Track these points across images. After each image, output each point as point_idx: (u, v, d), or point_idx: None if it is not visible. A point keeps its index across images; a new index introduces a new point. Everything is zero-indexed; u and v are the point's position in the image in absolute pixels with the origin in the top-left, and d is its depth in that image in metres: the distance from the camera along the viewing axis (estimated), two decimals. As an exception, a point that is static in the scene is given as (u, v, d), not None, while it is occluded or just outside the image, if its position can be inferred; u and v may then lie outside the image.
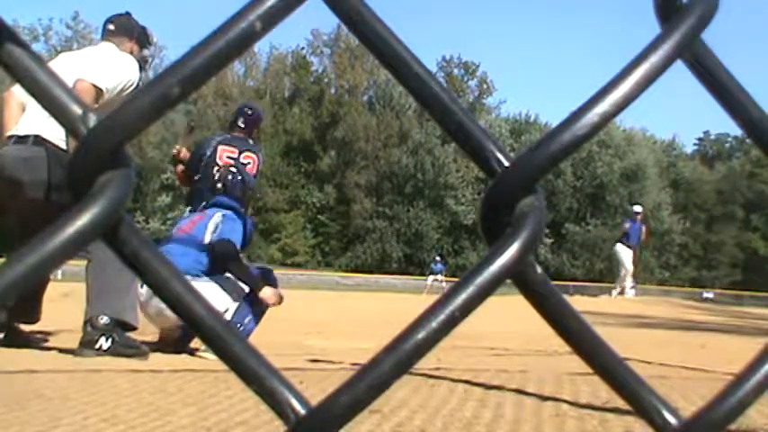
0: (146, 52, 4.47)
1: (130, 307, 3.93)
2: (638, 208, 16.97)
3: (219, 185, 4.77)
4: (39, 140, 3.87)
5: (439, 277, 32.24)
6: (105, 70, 3.99)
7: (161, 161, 53.51)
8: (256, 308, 4.43)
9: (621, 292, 15.99)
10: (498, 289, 0.38)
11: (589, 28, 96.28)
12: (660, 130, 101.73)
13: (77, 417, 2.26)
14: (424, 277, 38.25)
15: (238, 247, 4.54)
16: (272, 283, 4.60)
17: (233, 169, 4.94)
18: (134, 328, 3.95)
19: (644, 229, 15.98)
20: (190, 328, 0.37)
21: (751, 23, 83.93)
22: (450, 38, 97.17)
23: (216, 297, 4.24)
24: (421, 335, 0.37)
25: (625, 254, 15.79)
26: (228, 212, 4.64)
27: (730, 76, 0.45)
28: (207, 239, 4.47)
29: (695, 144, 71.25)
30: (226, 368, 0.36)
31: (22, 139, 3.94)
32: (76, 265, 4.00)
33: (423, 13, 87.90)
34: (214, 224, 4.53)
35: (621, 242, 15.93)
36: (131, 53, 4.27)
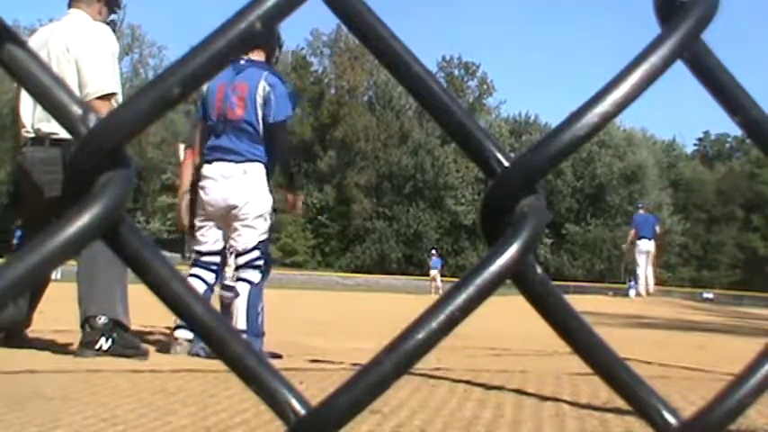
0: (113, 16, 4.31)
1: (123, 307, 3.93)
2: (639, 204, 17.87)
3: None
4: (55, 141, 3.89)
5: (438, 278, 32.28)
6: (104, 69, 3.97)
7: (161, 161, 53.54)
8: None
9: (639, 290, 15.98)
10: (498, 289, 0.38)
11: (589, 28, 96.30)
12: (660, 131, 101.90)
13: (77, 417, 2.26)
14: (424, 277, 38.28)
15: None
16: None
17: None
18: (128, 329, 3.95)
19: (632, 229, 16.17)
20: (190, 329, 0.37)
21: (751, 23, 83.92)
22: (450, 38, 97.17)
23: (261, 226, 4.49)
24: (421, 335, 0.37)
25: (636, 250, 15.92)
26: (271, 78, 4.51)
27: (730, 76, 0.45)
28: (259, 117, 4.44)
29: (695, 144, 71.37)
30: (226, 368, 0.36)
31: (38, 141, 3.96)
32: (76, 265, 4.01)
33: (423, 13, 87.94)
34: (261, 97, 4.44)
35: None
36: (99, 15, 4.15)
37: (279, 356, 4.17)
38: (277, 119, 4.45)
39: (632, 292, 16.38)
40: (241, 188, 4.43)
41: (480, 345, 4.97)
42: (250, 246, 4.42)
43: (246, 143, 4.45)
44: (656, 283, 16.99)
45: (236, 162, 4.44)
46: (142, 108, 0.35)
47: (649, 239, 15.74)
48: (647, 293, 15.81)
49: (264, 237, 4.51)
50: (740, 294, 42.74)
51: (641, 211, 16.63)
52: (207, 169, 4.53)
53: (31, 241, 0.33)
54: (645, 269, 15.84)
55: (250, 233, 4.43)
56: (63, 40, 3.98)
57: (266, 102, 4.43)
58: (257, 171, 4.48)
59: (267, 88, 4.44)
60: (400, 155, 57.08)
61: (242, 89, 4.43)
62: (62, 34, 4.02)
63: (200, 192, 4.55)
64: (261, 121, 4.45)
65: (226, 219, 4.50)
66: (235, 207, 4.43)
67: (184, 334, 4.27)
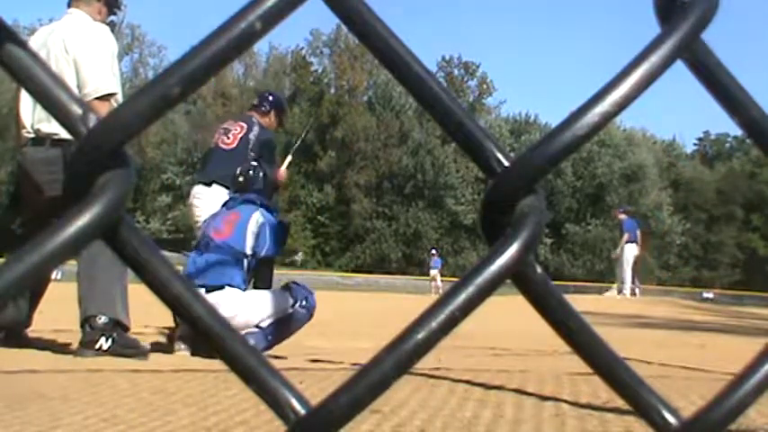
0: (113, 18, 4.29)
1: (123, 307, 3.93)
2: (622, 209, 18.69)
3: (241, 179, 4.72)
4: (55, 141, 3.89)
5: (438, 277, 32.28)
6: (103, 69, 3.97)
7: (161, 161, 53.54)
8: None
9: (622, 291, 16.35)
10: (498, 289, 0.38)
11: (589, 28, 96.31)
12: (660, 130, 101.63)
13: (77, 417, 2.26)
14: (424, 277, 38.24)
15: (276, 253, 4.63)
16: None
17: (254, 163, 4.92)
18: (128, 329, 3.95)
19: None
20: (190, 329, 0.37)
21: (751, 23, 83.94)
22: (450, 38, 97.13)
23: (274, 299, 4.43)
24: (421, 335, 0.37)
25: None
26: (266, 214, 4.57)
27: (730, 76, 0.45)
28: (248, 245, 4.43)
29: (695, 144, 71.22)
30: (226, 368, 0.36)
31: (38, 141, 3.96)
32: (76, 265, 4.01)
33: (423, 13, 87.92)
34: (254, 226, 4.47)
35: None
36: (99, 15, 4.14)
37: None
38: (268, 253, 4.53)
39: (637, 291, 16.64)
40: None
41: (480, 345, 4.97)
42: (281, 309, 4.43)
43: (219, 267, 4.37)
44: (657, 284, 17.46)
45: (207, 291, 4.22)
46: (142, 108, 0.35)
47: (636, 243, 16.43)
48: (620, 293, 16.28)
49: (275, 298, 4.47)
50: (740, 294, 42.69)
51: (623, 216, 17.13)
52: None
53: (31, 241, 0.33)
54: (631, 272, 16.33)
55: (264, 303, 4.43)
56: (62, 40, 3.97)
57: (259, 234, 4.47)
58: (229, 298, 4.29)
59: (261, 220, 4.51)
60: (400, 155, 57.03)
61: (233, 216, 4.52)
62: (61, 34, 4.02)
63: None
64: (250, 249, 4.44)
65: None
66: None
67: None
